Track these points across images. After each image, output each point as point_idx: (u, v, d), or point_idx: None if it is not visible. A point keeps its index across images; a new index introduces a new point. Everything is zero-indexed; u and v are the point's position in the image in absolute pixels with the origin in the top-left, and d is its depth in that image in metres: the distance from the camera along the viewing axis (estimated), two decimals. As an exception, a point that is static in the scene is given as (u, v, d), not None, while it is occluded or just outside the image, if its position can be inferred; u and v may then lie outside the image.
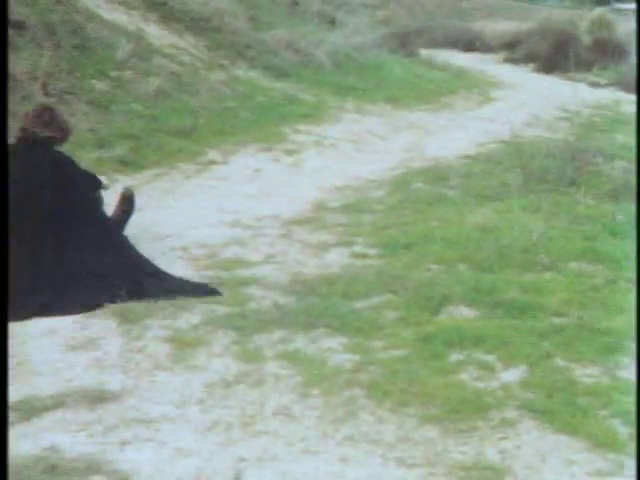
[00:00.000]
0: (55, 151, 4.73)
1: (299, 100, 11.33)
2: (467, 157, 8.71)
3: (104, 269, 4.49)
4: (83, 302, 4.26)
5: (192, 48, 12.15)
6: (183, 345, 3.81)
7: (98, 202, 4.85)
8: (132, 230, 5.68)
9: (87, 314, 4.15)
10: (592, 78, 17.61)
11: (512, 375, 3.56)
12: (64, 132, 4.78)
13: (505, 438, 3.08)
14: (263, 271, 4.85)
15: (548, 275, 4.85)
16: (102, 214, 4.85)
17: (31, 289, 4.28)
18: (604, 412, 3.26)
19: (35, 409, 3.21)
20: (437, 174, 7.76)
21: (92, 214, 4.73)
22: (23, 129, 4.72)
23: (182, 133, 8.58)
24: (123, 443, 3.01)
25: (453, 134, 10.44)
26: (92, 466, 2.84)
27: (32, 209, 4.49)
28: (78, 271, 4.44)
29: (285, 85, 11.95)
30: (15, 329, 3.85)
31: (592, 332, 3.99)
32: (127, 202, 5.22)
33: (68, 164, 4.75)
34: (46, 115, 4.77)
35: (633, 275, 4.67)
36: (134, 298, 4.31)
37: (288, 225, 5.92)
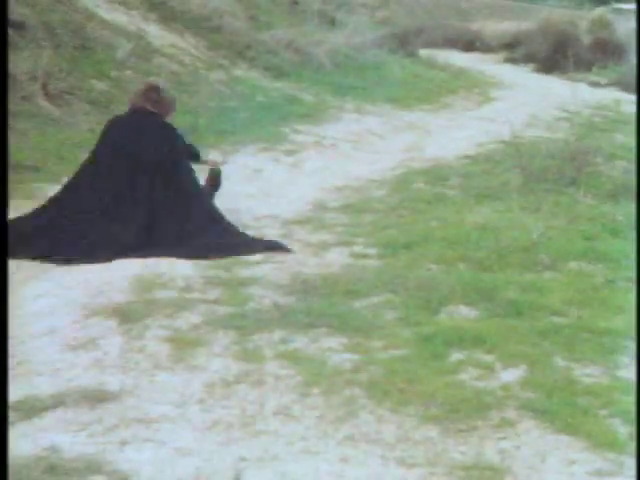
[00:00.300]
0: (162, 121, 5.62)
1: (299, 100, 11.34)
2: (467, 157, 8.71)
3: (201, 224, 5.36)
4: (187, 252, 5.04)
5: (192, 48, 12.16)
6: (183, 345, 3.81)
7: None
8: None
9: (87, 314, 4.15)
10: (592, 78, 17.61)
11: (512, 375, 3.56)
12: (168, 108, 5.73)
13: (505, 438, 3.08)
14: (263, 271, 4.85)
15: (548, 275, 4.86)
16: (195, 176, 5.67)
17: (143, 232, 5.20)
18: (604, 412, 3.27)
19: (35, 409, 3.20)
20: (437, 174, 7.77)
21: (189, 173, 5.61)
22: (134, 104, 5.66)
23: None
24: (123, 443, 3.00)
25: (453, 134, 10.45)
26: (92, 466, 2.84)
27: (144, 162, 5.38)
28: (180, 223, 5.31)
29: (285, 85, 11.96)
30: (15, 329, 3.85)
31: (592, 332, 3.99)
32: (215, 178, 6.02)
33: (173, 134, 5.63)
34: (153, 93, 5.67)
35: (633, 275, 4.67)
36: (222, 253, 5.09)
37: (288, 225, 5.92)
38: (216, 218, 5.53)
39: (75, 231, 5.14)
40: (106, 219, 5.22)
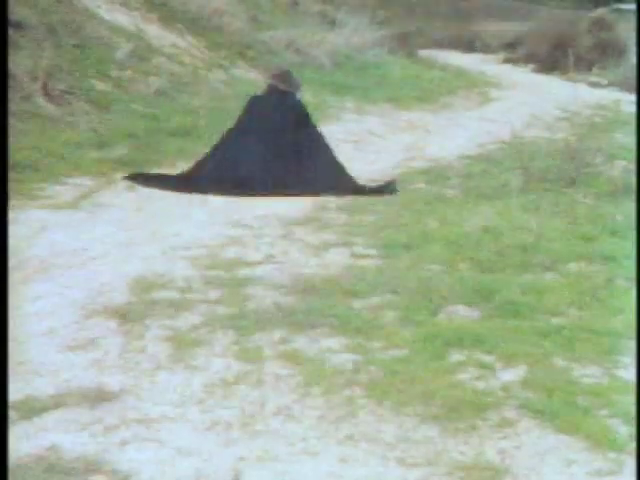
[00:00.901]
0: (293, 98, 7.51)
1: (299, 100, 11.32)
2: (467, 157, 8.72)
3: (323, 171, 7.17)
4: (311, 189, 6.85)
5: (192, 48, 12.17)
6: (183, 345, 3.81)
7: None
8: (131, 230, 5.69)
9: (86, 314, 4.16)
10: (592, 78, 17.62)
11: (512, 375, 3.56)
12: (296, 87, 7.61)
13: (505, 438, 3.08)
14: (263, 271, 4.85)
15: (548, 275, 4.86)
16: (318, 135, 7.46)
17: (280, 175, 6.99)
18: (604, 412, 3.26)
19: (35, 409, 3.21)
20: (437, 174, 7.78)
21: (314, 133, 7.43)
22: (270, 84, 7.59)
23: (182, 133, 8.59)
24: (123, 443, 3.01)
25: (453, 134, 10.45)
26: (92, 466, 2.84)
27: (279, 125, 7.22)
28: (307, 169, 7.12)
29: (285, 85, 11.94)
30: (15, 329, 3.85)
31: (592, 332, 3.99)
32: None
33: (300, 105, 7.54)
34: (285, 76, 7.61)
35: (633, 275, 4.67)
36: (338, 193, 6.83)
37: (288, 225, 5.92)
38: (334, 168, 7.26)
39: (236, 174, 7.00)
40: (257, 166, 7.04)
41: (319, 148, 7.34)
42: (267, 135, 7.14)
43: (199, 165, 7.26)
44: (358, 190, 7.05)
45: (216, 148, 7.29)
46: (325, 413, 3.24)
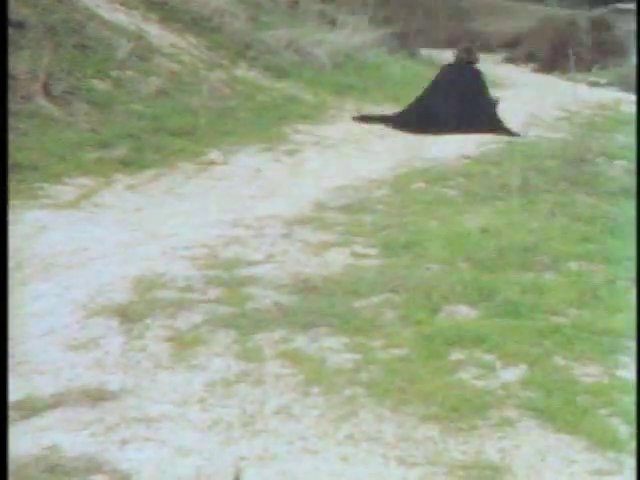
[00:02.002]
0: (474, 67, 11.26)
1: (299, 100, 11.36)
2: (467, 157, 8.71)
3: (488, 119, 10.50)
4: (480, 128, 10.12)
5: (192, 48, 12.17)
6: (184, 344, 3.81)
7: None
8: (132, 230, 5.70)
9: (87, 314, 4.16)
10: (592, 78, 17.62)
11: (512, 374, 3.56)
12: (476, 59, 11.46)
13: (505, 437, 3.08)
14: (264, 270, 4.85)
15: (548, 275, 4.86)
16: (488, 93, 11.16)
17: (461, 119, 10.31)
18: (604, 411, 3.27)
19: (35, 408, 3.21)
20: (437, 174, 7.77)
21: (485, 93, 11.03)
22: (457, 56, 11.42)
23: (183, 133, 8.59)
24: (123, 442, 3.01)
25: (453, 134, 10.43)
26: (92, 465, 2.84)
27: (463, 86, 10.78)
28: (478, 116, 10.43)
29: (285, 85, 11.97)
30: (15, 329, 3.86)
31: (592, 331, 3.99)
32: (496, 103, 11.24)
33: (479, 73, 11.13)
34: (469, 50, 11.54)
35: (633, 275, 4.67)
36: (497, 132, 10.13)
37: (289, 225, 5.92)
38: (495, 119, 10.59)
39: (433, 118, 10.38)
40: (446, 112, 10.39)
41: (487, 104, 10.75)
42: (453, 92, 10.64)
43: (407, 111, 10.88)
44: (509, 132, 10.16)
45: (419, 100, 10.95)
46: (325, 412, 3.24)
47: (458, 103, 10.50)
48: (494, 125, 10.33)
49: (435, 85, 11.10)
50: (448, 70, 11.37)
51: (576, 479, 2.86)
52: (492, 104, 10.78)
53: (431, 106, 10.62)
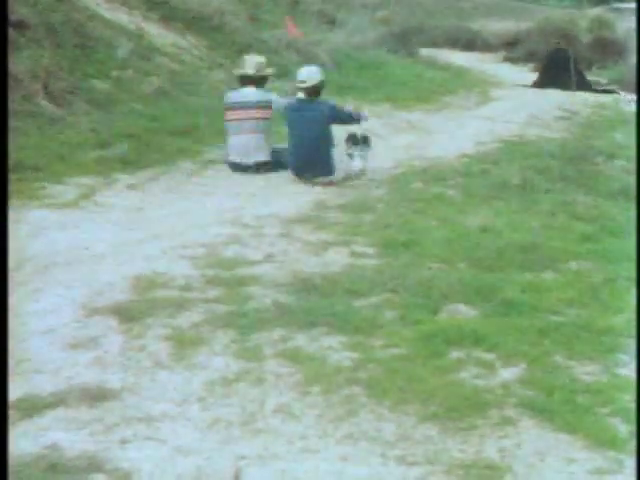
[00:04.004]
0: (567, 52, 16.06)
1: (299, 100, 11.31)
2: (467, 156, 8.72)
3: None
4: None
5: (193, 47, 12.18)
6: (184, 343, 3.82)
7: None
8: (132, 230, 5.70)
9: (87, 313, 4.16)
10: (592, 78, 17.61)
11: (511, 373, 3.56)
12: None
13: (505, 436, 3.09)
14: (263, 270, 4.85)
15: (548, 274, 4.86)
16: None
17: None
18: (604, 410, 3.27)
19: (36, 407, 3.21)
20: (437, 173, 7.77)
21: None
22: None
23: (183, 132, 8.59)
24: (124, 441, 3.01)
25: (453, 134, 10.44)
26: (93, 464, 2.85)
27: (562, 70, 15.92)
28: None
29: (285, 85, 11.95)
30: (16, 328, 3.86)
31: (591, 330, 4.00)
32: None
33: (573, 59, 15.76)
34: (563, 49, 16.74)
35: (633, 275, 4.67)
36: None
37: (288, 224, 5.93)
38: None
39: None
40: None
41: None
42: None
43: None
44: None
45: None
46: (325, 412, 3.24)
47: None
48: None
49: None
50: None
51: (576, 478, 2.86)
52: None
53: None
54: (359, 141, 7.78)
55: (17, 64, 8.09)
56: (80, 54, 9.71)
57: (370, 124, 10.74)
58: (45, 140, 7.46)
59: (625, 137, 9.82)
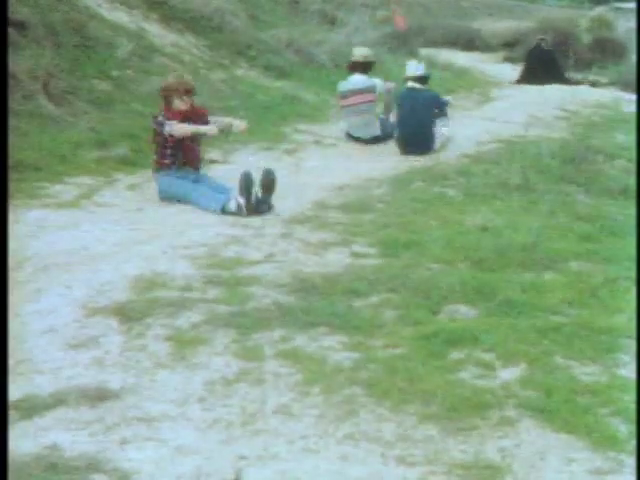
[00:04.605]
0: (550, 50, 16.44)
1: (300, 99, 11.35)
2: (467, 156, 8.71)
3: None
4: None
5: (193, 47, 12.17)
6: (184, 343, 3.82)
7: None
8: (132, 229, 5.70)
9: (87, 313, 4.16)
10: (592, 78, 17.60)
11: (511, 373, 3.56)
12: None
13: (505, 436, 3.09)
14: (264, 270, 4.85)
15: (548, 274, 4.86)
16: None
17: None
18: (604, 410, 3.27)
19: (36, 408, 3.21)
20: (437, 173, 7.77)
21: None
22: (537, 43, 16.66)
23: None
24: (124, 441, 3.01)
25: (453, 133, 10.43)
26: (93, 465, 2.85)
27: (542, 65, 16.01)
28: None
29: (286, 84, 11.96)
30: (16, 328, 3.86)
31: (591, 330, 4.00)
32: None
33: (553, 54, 16.43)
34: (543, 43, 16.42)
35: (633, 275, 4.67)
36: None
37: (288, 224, 5.92)
38: None
39: None
40: None
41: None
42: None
43: None
44: None
45: None
46: (325, 412, 3.25)
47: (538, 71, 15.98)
48: None
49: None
50: (532, 53, 16.49)
51: (576, 478, 2.86)
52: None
53: None
54: (444, 113, 9.30)
55: (17, 64, 8.08)
56: (80, 54, 9.70)
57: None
58: (45, 140, 7.45)
59: (625, 137, 9.81)
